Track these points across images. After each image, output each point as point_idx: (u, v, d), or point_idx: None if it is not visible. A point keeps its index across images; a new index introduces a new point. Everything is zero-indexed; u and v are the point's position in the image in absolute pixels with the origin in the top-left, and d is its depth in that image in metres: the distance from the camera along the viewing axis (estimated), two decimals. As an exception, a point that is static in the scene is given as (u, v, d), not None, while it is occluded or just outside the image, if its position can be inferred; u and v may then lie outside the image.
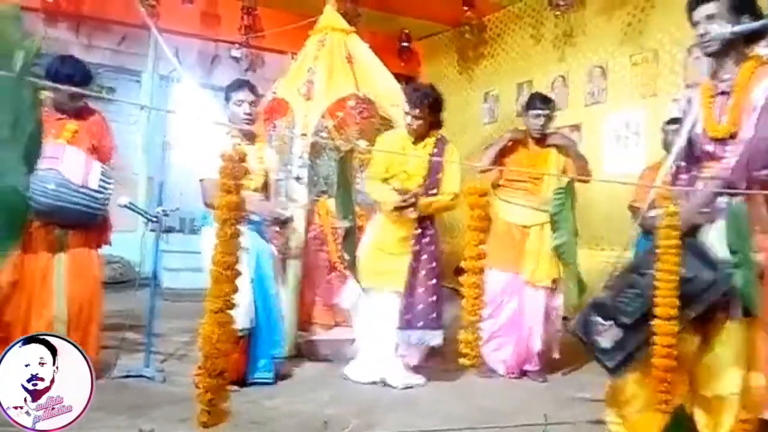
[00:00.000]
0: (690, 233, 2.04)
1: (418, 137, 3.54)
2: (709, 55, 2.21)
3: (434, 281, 3.43)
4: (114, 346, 3.50)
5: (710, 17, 2.14)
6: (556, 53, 6.55)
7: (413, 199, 3.37)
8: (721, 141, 2.19)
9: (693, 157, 2.33)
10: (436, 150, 3.53)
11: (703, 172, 2.25)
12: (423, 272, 3.41)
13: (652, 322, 1.84)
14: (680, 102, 2.52)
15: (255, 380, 3.24)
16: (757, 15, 2.13)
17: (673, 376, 1.84)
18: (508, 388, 3.60)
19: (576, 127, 6.10)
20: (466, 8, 7.02)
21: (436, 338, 3.36)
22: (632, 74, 5.70)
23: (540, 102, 3.84)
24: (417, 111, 3.46)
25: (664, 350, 1.81)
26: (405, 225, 3.47)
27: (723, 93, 2.23)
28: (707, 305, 1.99)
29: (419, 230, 3.44)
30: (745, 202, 1.99)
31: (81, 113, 3.25)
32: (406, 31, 8.10)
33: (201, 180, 3.25)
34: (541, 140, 3.85)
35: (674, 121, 4.12)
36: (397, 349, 3.45)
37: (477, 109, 7.69)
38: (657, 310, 1.82)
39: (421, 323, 3.35)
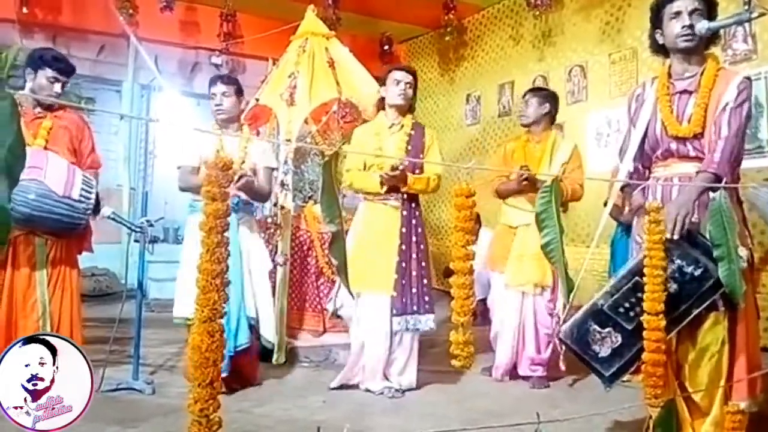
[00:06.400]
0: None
1: (402, 113, 3.51)
2: (684, 50, 2.21)
3: (425, 264, 3.42)
4: (101, 359, 3.45)
5: (695, 11, 2.16)
6: (535, 53, 6.60)
7: (400, 172, 3.27)
8: (682, 139, 2.20)
9: (646, 154, 2.34)
10: (414, 132, 3.50)
11: (669, 168, 2.26)
12: (414, 255, 3.39)
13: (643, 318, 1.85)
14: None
15: None
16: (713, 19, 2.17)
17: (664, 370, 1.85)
18: (502, 390, 3.59)
19: (559, 127, 6.13)
20: (445, 11, 7.05)
21: (429, 322, 3.37)
22: (611, 72, 5.76)
23: (529, 91, 3.88)
24: (410, 78, 3.47)
25: (652, 345, 1.82)
26: (389, 214, 3.42)
27: (685, 92, 2.22)
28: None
29: (406, 211, 3.40)
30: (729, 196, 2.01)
31: (56, 108, 3.18)
32: (387, 34, 8.11)
33: (178, 167, 3.37)
34: (539, 136, 3.79)
35: None
36: (390, 350, 3.39)
37: (459, 110, 7.72)
38: (645, 305, 1.82)
39: (415, 307, 3.35)
